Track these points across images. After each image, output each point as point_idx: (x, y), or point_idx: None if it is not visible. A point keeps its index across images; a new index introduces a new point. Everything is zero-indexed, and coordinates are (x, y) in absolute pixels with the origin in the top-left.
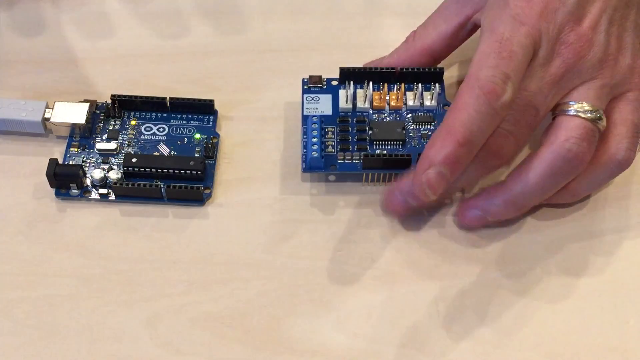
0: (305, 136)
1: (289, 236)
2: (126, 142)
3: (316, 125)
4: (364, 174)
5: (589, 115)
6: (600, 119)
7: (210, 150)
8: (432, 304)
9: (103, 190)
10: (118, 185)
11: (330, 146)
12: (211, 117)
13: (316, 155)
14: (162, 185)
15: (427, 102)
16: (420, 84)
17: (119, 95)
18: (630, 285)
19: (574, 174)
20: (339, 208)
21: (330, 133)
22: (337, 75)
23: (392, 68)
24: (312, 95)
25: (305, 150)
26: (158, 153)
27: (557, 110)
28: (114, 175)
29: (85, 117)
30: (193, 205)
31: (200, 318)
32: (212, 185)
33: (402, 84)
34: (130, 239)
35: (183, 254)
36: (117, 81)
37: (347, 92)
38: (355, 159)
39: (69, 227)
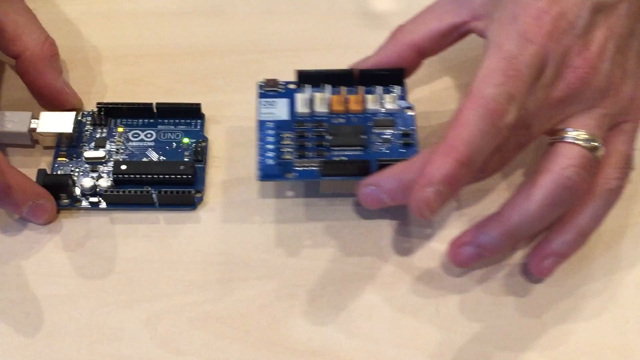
0: (261, 142)
1: (289, 236)
2: (114, 149)
3: (272, 131)
4: (321, 182)
5: (588, 144)
6: (598, 148)
7: (200, 154)
8: (432, 304)
9: (94, 199)
10: (109, 193)
11: (287, 153)
12: (198, 121)
13: (272, 162)
14: (153, 191)
15: (388, 106)
16: (380, 87)
17: (104, 103)
18: (630, 285)
19: (573, 203)
20: (338, 208)
21: (287, 139)
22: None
23: (351, 70)
24: (269, 100)
25: (260, 158)
26: (147, 159)
27: (555, 136)
28: (104, 183)
29: (72, 126)
30: (185, 210)
31: (200, 318)
32: (203, 188)
33: (361, 87)
34: (130, 239)
35: (183, 253)
36: (117, 81)
37: (304, 95)
38: (314, 166)
39: (68, 228)
